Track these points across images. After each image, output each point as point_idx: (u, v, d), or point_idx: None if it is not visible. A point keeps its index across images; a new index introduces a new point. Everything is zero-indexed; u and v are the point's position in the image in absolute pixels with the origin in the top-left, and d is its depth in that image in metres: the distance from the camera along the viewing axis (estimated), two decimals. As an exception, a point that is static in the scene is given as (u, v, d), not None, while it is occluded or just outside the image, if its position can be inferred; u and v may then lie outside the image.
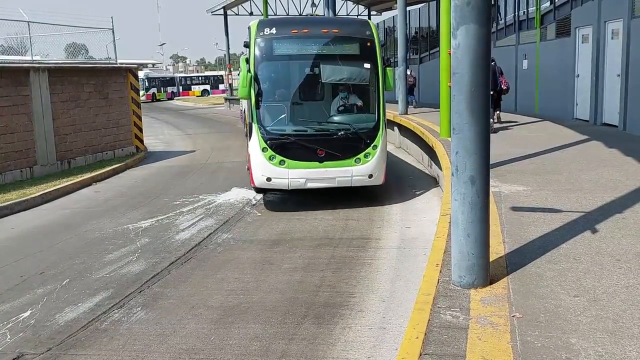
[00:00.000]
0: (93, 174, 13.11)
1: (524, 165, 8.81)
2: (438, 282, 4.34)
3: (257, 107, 8.97)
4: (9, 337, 5.11)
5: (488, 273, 4.25)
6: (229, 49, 44.08)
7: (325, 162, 8.90)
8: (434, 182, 11.11)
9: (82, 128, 14.57)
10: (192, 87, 59.97)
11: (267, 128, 8.97)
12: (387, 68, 9.36)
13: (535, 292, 4.07)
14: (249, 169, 9.60)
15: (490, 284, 4.23)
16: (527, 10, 17.35)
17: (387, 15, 30.16)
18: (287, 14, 35.99)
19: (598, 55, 12.71)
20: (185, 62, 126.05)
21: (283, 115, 9.21)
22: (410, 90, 19.44)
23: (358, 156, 9.00)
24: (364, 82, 9.19)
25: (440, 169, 9.71)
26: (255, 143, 8.99)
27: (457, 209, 4.17)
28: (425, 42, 26.69)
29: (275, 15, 35.29)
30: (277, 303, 5.58)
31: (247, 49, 9.22)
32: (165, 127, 27.06)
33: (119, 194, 11.48)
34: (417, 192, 10.32)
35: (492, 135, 4.84)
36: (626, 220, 5.71)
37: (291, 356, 4.54)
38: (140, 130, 17.06)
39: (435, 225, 6.31)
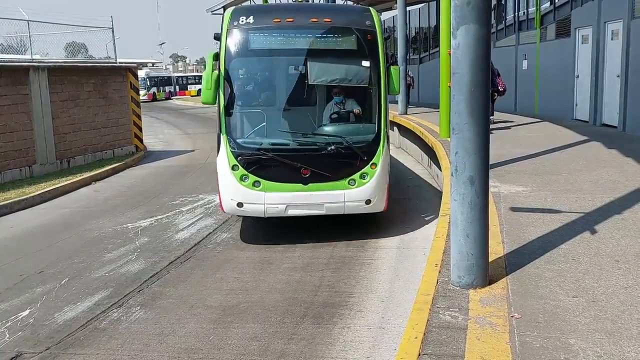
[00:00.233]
0: (92, 173, 13.11)
1: (523, 165, 8.81)
2: (437, 282, 4.34)
3: (227, 114, 7.28)
4: (7, 336, 5.11)
5: (487, 273, 4.26)
6: (228, 48, 43.94)
7: (310, 184, 7.19)
8: (433, 182, 11.12)
9: (81, 127, 14.56)
10: (189, 86, 59.90)
11: (238, 141, 7.28)
12: (392, 67, 7.64)
13: (534, 292, 4.08)
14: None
15: (489, 284, 4.24)
16: (527, 11, 17.35)
17: (387, 15, 30.07)
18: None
19: (598, 56, 12.71)
20: (185, 61, 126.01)
21: (259, 125, 7.52)
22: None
23: (352, 177, 7.26)
24: (362, 84, 7.43)
25: (440, 169, 9.71)
26: (224, 159, 7.25)
27: (457, 209, 4.18)
28: (425, 42, 26.72)
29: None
30: (276, 303, 5.58)
31: (218, 43, 7.50)
32: (164, 127, 27.04)
33: (119, 193, 11.48)
34: (417, 192, 10.31)
35: (491, 136, 4.84)
36: (625, 221, 5.71)
37: (290, 356, 4.54)
38: (140, 129, 17.06)
39: (435, 225, 6.31)
